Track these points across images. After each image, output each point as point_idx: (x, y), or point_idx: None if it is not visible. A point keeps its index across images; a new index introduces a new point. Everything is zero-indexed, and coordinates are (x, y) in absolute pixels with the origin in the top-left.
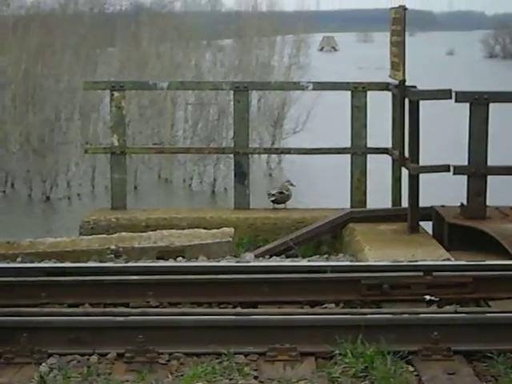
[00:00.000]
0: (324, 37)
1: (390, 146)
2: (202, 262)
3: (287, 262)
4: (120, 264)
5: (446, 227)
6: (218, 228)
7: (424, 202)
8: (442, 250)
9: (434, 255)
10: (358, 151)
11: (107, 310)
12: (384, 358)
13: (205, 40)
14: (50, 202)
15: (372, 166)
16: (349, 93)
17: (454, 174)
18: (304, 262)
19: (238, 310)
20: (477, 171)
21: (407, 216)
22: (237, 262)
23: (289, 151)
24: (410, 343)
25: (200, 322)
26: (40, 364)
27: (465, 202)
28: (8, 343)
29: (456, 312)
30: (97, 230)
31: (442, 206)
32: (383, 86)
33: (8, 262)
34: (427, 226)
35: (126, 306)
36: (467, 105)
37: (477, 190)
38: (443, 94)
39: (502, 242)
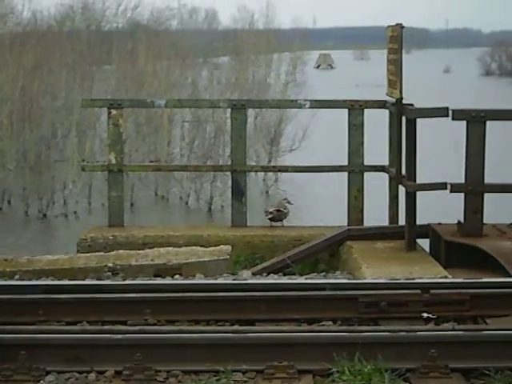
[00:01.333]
0: (320, 54)
1: (387, 163)
2: (200, 280)
3: (284, 280)
4: (117, 282)
5: (443, 245)
6: (216, 246)
7: (421, 219)
8: (439, 267)
9: (431, 273)
10: (355, 169)
11: (105, 327)
12: (382, 375)
13: (201, 58)
14: (46, 219)
15: (369, 183)
16: (346, 111)
17: (451, 191)
18: (301, 280)
19: (236, 327)
20: (474, 189)
21: (404, 234)
22: (234, 279)
23: (286, 169)
24: (407, 361)
25: (198, 340)
26: (38, 382)
27: (462, 220)
28: (6, 360)
29: (453, 329)
30: (94, 248)
31: (439, 224)
32: (380, 104)
33: (6, 280)
34: (424, 243)
35: (124, 323)
36: (464, 123)
37: (474, 208)
38: (440, 112)
39: (499, 259)
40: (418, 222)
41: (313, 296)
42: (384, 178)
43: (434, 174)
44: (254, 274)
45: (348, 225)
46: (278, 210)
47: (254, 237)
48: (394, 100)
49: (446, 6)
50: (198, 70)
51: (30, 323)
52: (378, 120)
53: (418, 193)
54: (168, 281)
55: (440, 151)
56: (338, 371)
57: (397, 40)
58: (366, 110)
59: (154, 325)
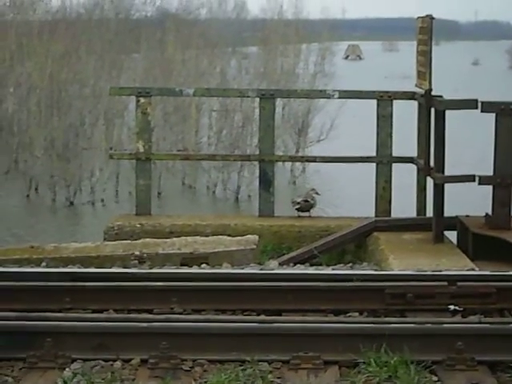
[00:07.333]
0: (349, 45)
1: (415, 155)
2: (226, 269)
3: (311, 271)
4: (144, 270)
5: (470, 237)
6: (243, 235)
7: (449, 211)
8: (466, 259)
9: (458, 265)
10: (383, 160)
11: (131, 315)
12: (408, 367)
13: (230, 47)
14: (73, 206)
15: (397, 175)
16: (374, 101)
17: (480, 184)
18: (328, 271)
19: (262, 317)
20: (502, 181)
21: (432, 225)
22: (261, 269)
23: (314, 159)
24: (433, 353)
25: (224, 329)
26: (63, 369)
27: (490, 212)
28: (32, 348)
29: (480, 322)
30: (121, 236)
31: (467, 216)
32: (409, 95)
33: (32, 267)
34: (452, 235)
35: (150, 312)
36: (493, 115)
37: (502, 200)
38: (469, 104)
39: None
40: (446, 213)
41: (339, 287)
42: (412, 169)
43: (462, 166)
44: (280, 264)
45: (375, 216)
46: (306, 201)
47: (281, 227)
48: (423, 91)
49: None
50: (226, 60)
51: (57, 310)
52: (406, 111)
53: (446, 184)
54: (195, 270)
55: (469, 144)
56: (364, 362)
57: (426, 31)
58: (394, 101)
59: (181, 314)
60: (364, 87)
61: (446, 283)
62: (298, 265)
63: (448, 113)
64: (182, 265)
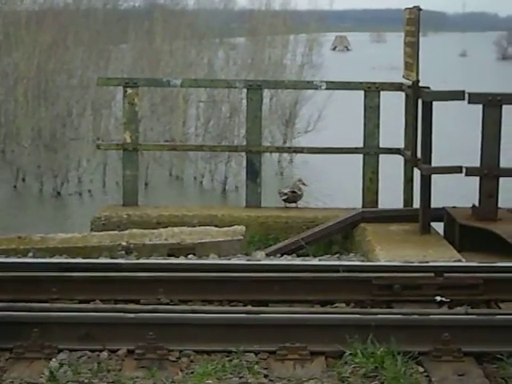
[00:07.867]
0: (337, 36)
1: (402, 146)
2: (213, 260)
3: (298, 261)
4: (131, 261)
5: (457, 228)
6: (230, 226)
7: (436, 202)
8: (453, 251)
9: (445, 256)
10: (371, 151)
11: (118, 306)
12: (394, 358)
13: (218, 38)
14: (60, 197)
15: (384, 166)
16: (362, 93)
17: (466, 175)
18: (315, 262)
19: (249, 308)
20: (489, 173)
21: (419, 217)
22: (248, 260)
23: (301, 150)
24: (420, 344)
25: (210, 320)
26: (50, 359)
27: (476, 204)
28: (18, 338)
29: (467, 313)
30: (108, 227)
31: (454, 207)
32: (397, 87)
33: (19, 257)
34: (439, 226)
35: (137, 302)
36: (480, 106)
37: (489, 192)
38: (456, 96)
39: None
40: (433, 205)
41: (326, 278)
42: (399, 160)
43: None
44: (267, 255)
45: (362, 207)
46: (293, 192)
47: (268, 218)
48: (410, 83)
49: None
50: (214, 51)
51: (44, 301)
52: (393, 102)
53: (433, 176)
54: (181, 260)
55: (456, 135)
56: (350, 353)
57: (414, 22)
58: (382, 93)
59: (167, 304)
60: (351, 78)
61: (432, 274)
62: (285, 255)
63: (443, 104)
64: (169, 255)
